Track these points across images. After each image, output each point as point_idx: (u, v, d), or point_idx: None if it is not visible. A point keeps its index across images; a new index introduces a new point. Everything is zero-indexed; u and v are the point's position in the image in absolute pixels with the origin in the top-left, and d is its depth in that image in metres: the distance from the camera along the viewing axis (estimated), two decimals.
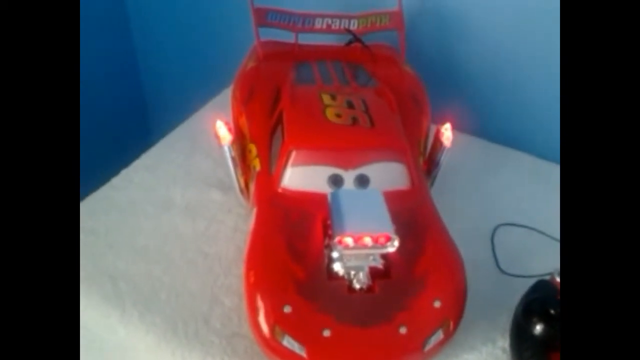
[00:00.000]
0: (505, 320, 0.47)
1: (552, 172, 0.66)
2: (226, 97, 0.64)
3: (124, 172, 0.62)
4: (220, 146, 0.51)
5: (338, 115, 0.51)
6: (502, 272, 0.54)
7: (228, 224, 0.57)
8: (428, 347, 0.42)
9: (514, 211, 0.60)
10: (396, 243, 0.41)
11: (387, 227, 0.41)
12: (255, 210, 0.49)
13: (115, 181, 0.61)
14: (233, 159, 0.52)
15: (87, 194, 0.59)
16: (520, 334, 0.44)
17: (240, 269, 0.45)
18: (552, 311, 0.43)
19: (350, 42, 0.65)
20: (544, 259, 0.51)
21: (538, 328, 0.43)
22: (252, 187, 0.52)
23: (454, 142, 0.55)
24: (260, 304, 0.42)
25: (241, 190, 0.54)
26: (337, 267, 0.43)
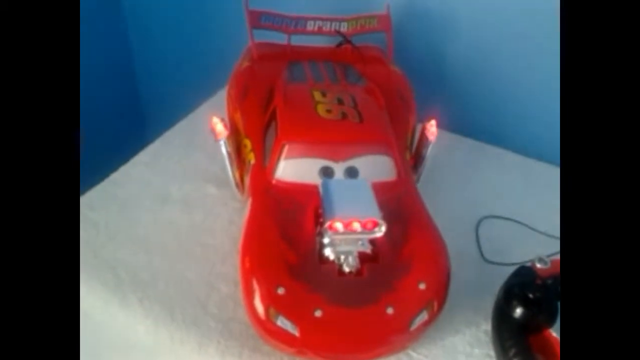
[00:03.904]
0: (488, 305, 0.48)
1: (533, 168, 0.68)
2: (221, 97, 0.65)
3: (123, 168, 0.64)
4: (217, 141, 0.53)
5: (328, 111, 0.53)
6: (486, 260, 0.56)
7: (224, 216, 0.58)
8: (413, 326, 0.43)
9: (497, 204, 0.61)
10: (383, 228, 0.43)
11: (374, 213, 0.43)
12: (250, 200, 0.50)
13: (115, 176, 0.62)
14: (229, 153, 0.54)
15: (87, 189, 0.60)
16: (500, 316, 0.45)
17: (235, 258, 0.47)
18: (530, 295, 0.44)
19: (340, 44, 0.67)
20: (525, 249, 0.53)
21: (517, 311, 0.44)
22: (247, 179, 0.54)
23: (440, 140, 0.56)
24: (255, 286, 0.43)
25: (236, 183, 0.56)
26: (328, 252, 0.45)
